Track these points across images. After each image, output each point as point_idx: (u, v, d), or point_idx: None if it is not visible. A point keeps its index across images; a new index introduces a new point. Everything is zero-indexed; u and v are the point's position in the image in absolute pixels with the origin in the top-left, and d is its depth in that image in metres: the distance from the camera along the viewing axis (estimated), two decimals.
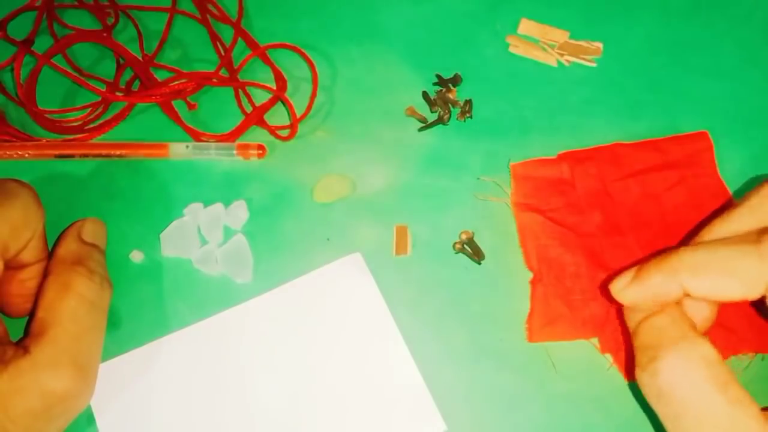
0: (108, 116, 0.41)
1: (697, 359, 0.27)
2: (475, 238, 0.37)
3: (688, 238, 0.36)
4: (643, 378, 0.29)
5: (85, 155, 0.39)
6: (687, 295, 0.29)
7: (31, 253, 0.32)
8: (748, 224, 0.30)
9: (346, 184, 0.39)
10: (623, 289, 0.30)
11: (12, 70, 0.41)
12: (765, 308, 0.29)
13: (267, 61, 0.42)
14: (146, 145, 0.40)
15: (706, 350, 0.28)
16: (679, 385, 0.27)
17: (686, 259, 0.29)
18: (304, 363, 0.34)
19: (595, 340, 0.35)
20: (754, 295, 0.28)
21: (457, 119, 0.41)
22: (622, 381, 0.34)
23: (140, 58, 0.43)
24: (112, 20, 0.44)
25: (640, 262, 0.31)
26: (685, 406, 0.27)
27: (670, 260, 0.29)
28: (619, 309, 0.33)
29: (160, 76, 0.42)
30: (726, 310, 0.34)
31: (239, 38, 0.43)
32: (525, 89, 0.42)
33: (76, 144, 0.40)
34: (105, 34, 0.43)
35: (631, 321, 0.31)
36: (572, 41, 0.43)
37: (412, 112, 0.41)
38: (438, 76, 0.42)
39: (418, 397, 0.34)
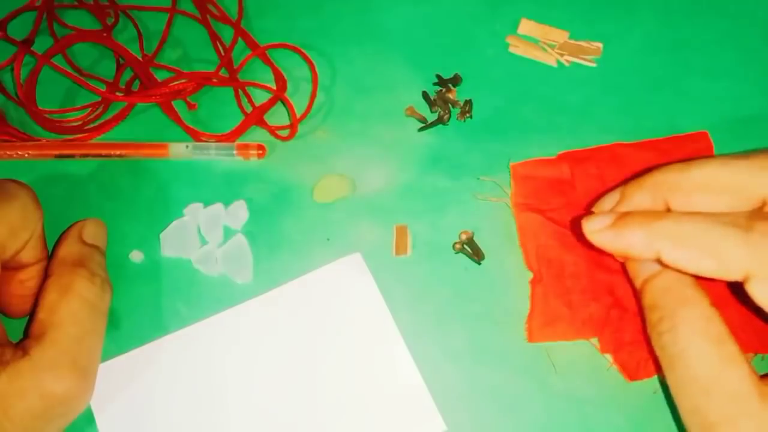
0: (108, 116, 0.41)
1: (697, 318, 0.28)
2: (475, 238, 0.37)
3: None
4: (652, 336, 0.30)
5: (85, 155, 0.39)
6: (658, 259, 0.29)
7: (30, 253, 0.32)
8: (742, 182, 0.30)
9: (346, 184, 0.39)
10: (597, 232, 0.31)
11: (12, 70, 0.41)
12: (744, 292, 0.30)
13: (267, 61, 0.42)
14: (146, 145, 0.40)
15: (706, 309, 0.29)
16: (679, 342, 0.28)
17: (670, 227, 0.29)
18: (304, 363, 0.34)
19: (595, 340, 0.35)
20: (729, 277, 0.28)
21: (457, 119, 0.41)
22: (622, 381, 0.34)
23: (140, 58, 0.43)
24: (112, 20, 0.44)
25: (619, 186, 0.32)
26: (682, 360, 0.28)
27: (653, 223, 0.29)
28: (623, 268, 0.33)
29: (160, 76, 0.42)
30: (726, 310, 0.34)
31: (239, 38, 0.43)
32: (525, 89, 0.42)
33: (76, 144, 0.40)
34: (105, 34, 0.43)
35: (637, 279, 0.31)
36: (572, 41, 0.43)
37: (412, 112, 0.41)
38: (438, 76, 0.42)
39: (418, 397, 0.34)
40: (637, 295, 0.32)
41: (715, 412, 0.27)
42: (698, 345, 0.28)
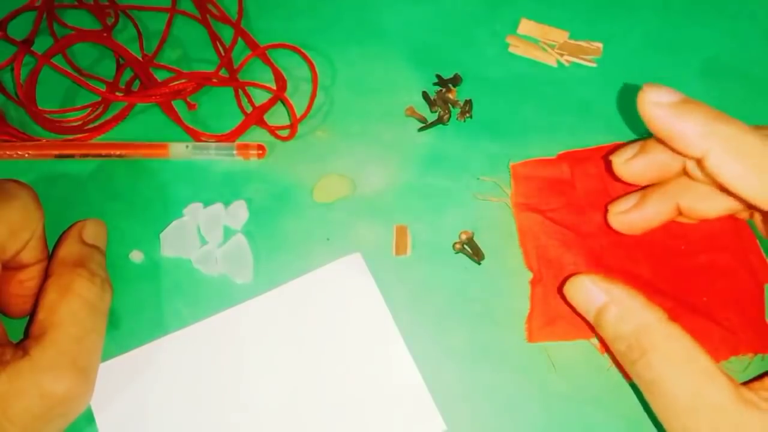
0: (108, 116, 0.41)
1: (662, 341, 0.28)
2: (475, 238, 0.37)
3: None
4: (624, 364, 0.30)
5: (85, 155, 0.39)
6: (700, 159, 0.28)
7: (31, 253, 0.32)
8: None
9: (346, 184, 0.39)
10: (659, 105, 0.29)
11: (12, 70, 0.41)
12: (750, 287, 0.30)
13: (267, 61, 0.42)
14: (146, 145, 0.40)
15: (667, 329, 0.28)
16: (653, 369, 0.28)
17: (732, 132, 0.27)
18: (304, 363, 0.34)
19: (594, 340, 0.35)
20: (763, 205, 0.27)
21: (457, 119, 0.41)
22: (621, 381, 0.34)
23: (140, 58, 0.43)
24: (112, 20, 0.44)
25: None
26: (660, 386, 0.28)
27: (718, 121, 0.28)
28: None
29: (160, 76, 0.42)
30: (726, 310, 0.34)
31: (239, 38, 0.43)
32: (525, 89, 0.42)
33: (76, 144, 0.40)
34: (105, 34, 0.43)
35: (589, 313, 0.31)
36: (572, 41, 0.43)
37: (412, 112, 0.41)
38: (438, 76, 0.42)
39: (418, 397, 0.34)
40: (593, 328, 0.32)
41: (703, 428, 0.27)
42: (672, 368, 0.28)
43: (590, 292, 0.31)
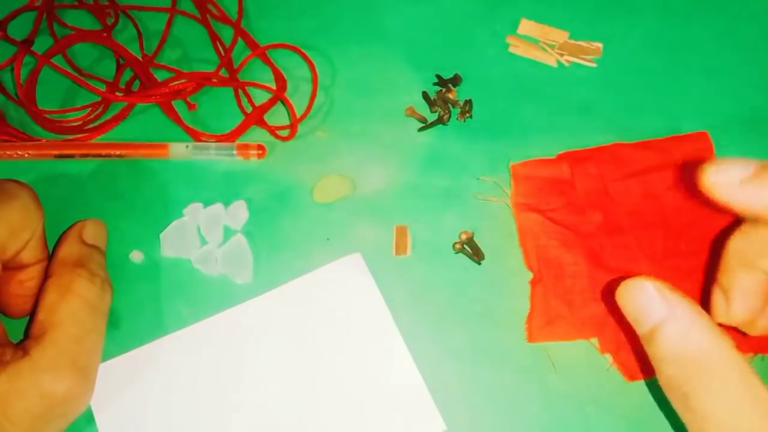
0: (108, 116, 0.41)
1: (727, 372, 0.25)
2: (475, 238, 0.37)
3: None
4: (670, 391, 0.26)
5: (85, 155, 0.39)
6: None
7: (31, 253, 0.32)
8: None
9: (346, 184, 0.39)
10: (729, 184, 0.24)
11: (12, 70, 0.41)
12: None
13: (267, 61, 0.42)
14: (146, 145, 0.40)
15: (733, 358, 0.25)
16: (717, 405, 0.25)
17: None
18: (304, 363, 0.34)
19: (595, 340, 0.35)
20: None
21: (457, 119, 0.41)
22: (622, 381, 0.34)
23: (140, 58, 0.43)
24: (112, 20, 0.44)
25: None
26: (717, 424, 0.25)
27: None
28: (620, 314, 0.29)
29: (160, 76, 0.42)
30: None
31: (239, 38, 0.43)
32: (525, 89, 0.42)
33: (76, 144, 0.40)
34: (105, 34, 0.43)
35: (643, 325, 0.27)
36: (572, 41, 0.43)
37: (412, 112, 0.41)
38: (438, 76, 0.42)
39: (417, 397, 0.34)
40: (637, 339, 0.28)
41: None
42: (733, 406, 0.24)
43: (652, 301, 0.26)
